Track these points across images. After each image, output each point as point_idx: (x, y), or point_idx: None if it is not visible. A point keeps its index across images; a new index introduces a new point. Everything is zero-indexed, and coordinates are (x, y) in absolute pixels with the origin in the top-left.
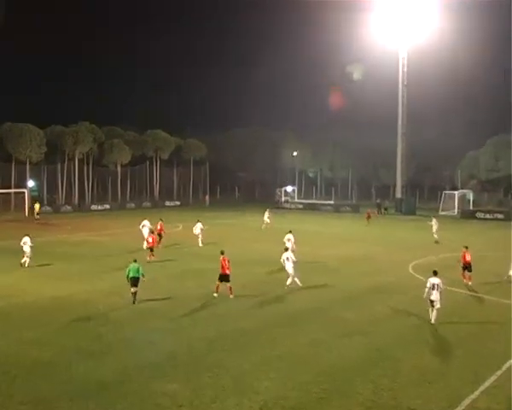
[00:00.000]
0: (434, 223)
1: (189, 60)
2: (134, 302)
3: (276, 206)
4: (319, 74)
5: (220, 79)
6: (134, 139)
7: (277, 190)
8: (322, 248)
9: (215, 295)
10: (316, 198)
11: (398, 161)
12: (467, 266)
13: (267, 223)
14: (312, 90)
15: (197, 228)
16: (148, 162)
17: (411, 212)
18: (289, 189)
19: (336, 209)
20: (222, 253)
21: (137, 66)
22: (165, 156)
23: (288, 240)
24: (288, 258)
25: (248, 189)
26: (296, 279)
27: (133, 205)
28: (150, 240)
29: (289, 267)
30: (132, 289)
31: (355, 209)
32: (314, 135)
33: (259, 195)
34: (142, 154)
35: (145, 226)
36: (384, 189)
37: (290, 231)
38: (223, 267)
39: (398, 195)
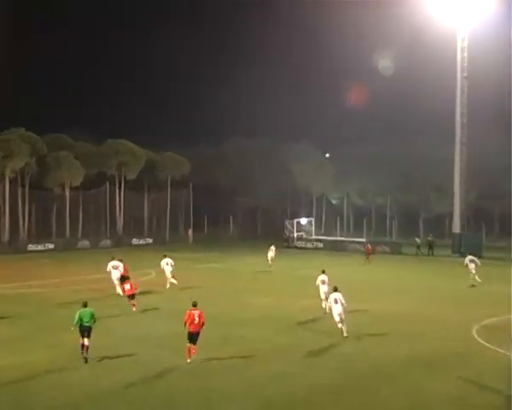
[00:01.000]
0: (470, 261)
1: (172, 53)
2: (86, 360)
3: (285, 244)
4: (344, 69)
5: (213, 74)
6: (89, 152)
7: (287, 223)
8: (351, 302)
9: (188, 360)
10: (341, 234)
11: (456, 181)
12: None
13: (272, 258)
14: (335, 90)
15: (168, 265)
16: (108, 184)
17: (475, 252)
18: (304, 221)
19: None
20: (194, 305)
21: (93, 53)
22: (133, 175)
23: (323, 282)
24: (336, 300)
25: (248, 220)
26: (343, 327)
27: (87, 243)
28: (128, 287)
29: (338, 313)
30: (82, 341)
31: (395, 249)
32: (339, 148)
33: (263, 228)
34: (100, 172)
35: (116, 269)
36: (436, 220)
37: (323, 271)
38: (192, 323)
39: (456, 229)
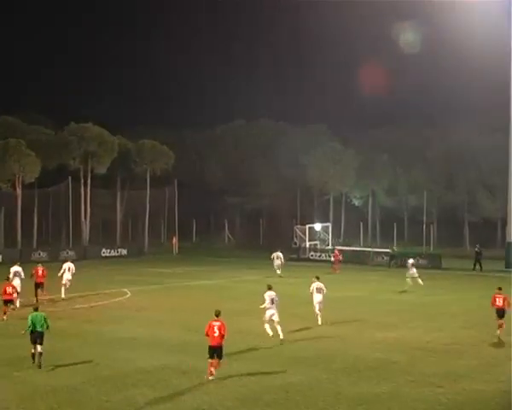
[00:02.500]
0: (412, 265)
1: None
2: (40, 366)
3: (294, 256)
4: (367, 40)
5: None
6: (47, 139)
7: (297, 229)
8: (370, 329)
9: (210, 378)
10: (365, 243)
11: (511, 175)
12: (498, 312)
13: (279, 265)
14: (358, 65)
15: (69, 272)
16: (70, 180)
17: None
18: (318, 227)
19: (400, 262)
20: (216, 315)
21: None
22: (102, 169)
23: (318, 290)
24: (273, 300)
25: (247, 226)
26: (267, 327)
27: (44, 255)
28: (10, 290)
29: (271, 314)
30: (35, 349)
31: (434, 262)
32: (362, 134)
33: (267, 236)
34: (61, 165)
35: (18, 275)
36: (485, 226)
37: (318, 278)
38: (212, 336)
39: (511, 237)
